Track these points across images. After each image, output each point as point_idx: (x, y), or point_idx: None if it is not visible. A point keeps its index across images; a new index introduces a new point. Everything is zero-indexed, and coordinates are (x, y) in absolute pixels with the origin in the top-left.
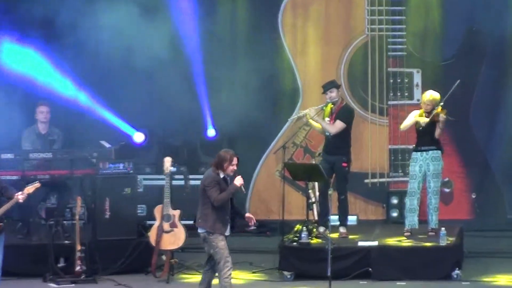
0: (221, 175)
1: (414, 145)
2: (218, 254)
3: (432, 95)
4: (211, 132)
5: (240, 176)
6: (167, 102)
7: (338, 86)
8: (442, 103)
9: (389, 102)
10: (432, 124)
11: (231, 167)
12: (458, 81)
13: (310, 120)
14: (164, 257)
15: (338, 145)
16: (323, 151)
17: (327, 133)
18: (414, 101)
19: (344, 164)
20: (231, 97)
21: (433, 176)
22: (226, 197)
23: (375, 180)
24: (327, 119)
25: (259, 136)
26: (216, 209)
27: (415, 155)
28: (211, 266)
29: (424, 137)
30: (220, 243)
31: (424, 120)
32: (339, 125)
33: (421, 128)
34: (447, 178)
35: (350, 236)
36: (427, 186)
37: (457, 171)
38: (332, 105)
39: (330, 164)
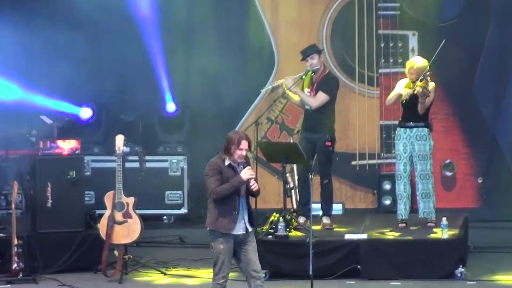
0: (227, 162)
1: (399, 120)
2: (214, 258)
3: (414, 62)
4: (170, 107)
5: (249, 168)
6: (118, 71)
7: (320, 52)
8: (428, 72)
9: (380, 70)
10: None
11: (239, 152)
12: (444, 40)
13: (288, 92)
14: (116, 253)
15: (320, 121)
16: (302, 128)
17: (307, 107)
18: None
19: (328, 143)
20: (194, 66)
21: (420, 157)
22: (226, 191)
23: (364, 162)
24: (307, 90)
25: (227, 111)
26: (220, 203)
27: (399, 131)
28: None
29: (409, 111)
30: (218, 247)
31: (406, 91)
32: (321, 97)
33: (403, 102)
34: (448, 160)
35: (335, 228)
36: (415, 169)
37: (460, 152)
38: (313, 74)
39: (311, 144)
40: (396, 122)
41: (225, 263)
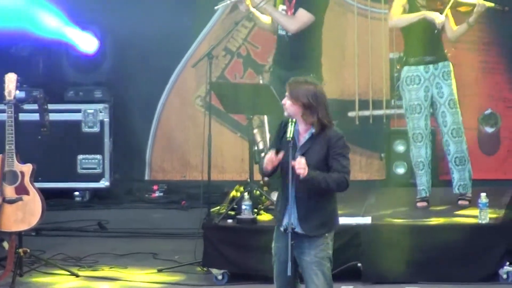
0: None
1: (408, 55)
2: None
3: None
4: (87, 45)
5: (301, 159)
6: None
7: None
8: None
9: None
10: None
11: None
12: None
13: (253, 10)
14: (6, 245)
15: (302, 52)
16: (274, 62)
17: (283, 32)
18: None
19: None
20: None
21: (450, 105)
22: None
23: (367, 113)
24: (281, 7)
25: (168, 38)
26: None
27: (415, 71)
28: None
29: (430, 39)
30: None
31: (440, 19)
32: (303, 16)
33: (436, 30)
34: (489, 110)
35: None
36: (440, 123)
37: (506, 98)
38: None
39: None
40: None
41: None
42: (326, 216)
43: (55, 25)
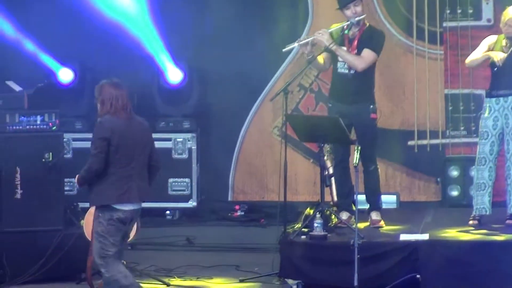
0: None
1: (487, 89)
2: None
3: None
4: (175, 75)
5: None
6: (108, 26)
7: None
8: None
9: (445, 24)
10: None
11: None
12: None
13: (314, 52)
14: None
15: (362, 88)
16: (332, 98)
17: (344, 70)
18: (483, 22)
19: (374, 116)
20: (203, 19)
21: None
22: None
23: (425, 141)
24: (343, 48)
25: (248, 76)
26: None
27: (489, 102)
28: None
29: (503, 76)
30: None
31: (500, 57)
32: (369, 56)
33: (496, 68)
34: None
35: (387, 226)
36: (505, 150)
37: None
38: (349, 29)
39: (348, 118)
40: (466, 91)
41: None
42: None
43: (155, 48)
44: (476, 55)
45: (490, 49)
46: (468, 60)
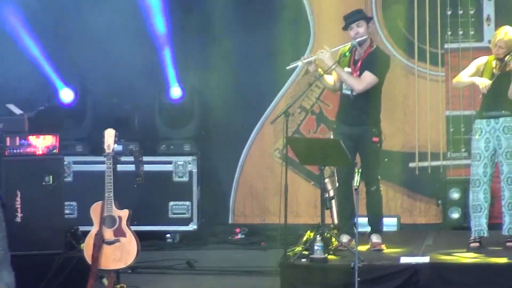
0: None
1: (476, 110)
2: None
3: (508, 33)
4: (175, 92)
5: None
6: (109, 46)
7: (368, 19)
8: None
9: (447, 46)
10: (505, 78)
11: None
12: None
13: (320, 70)
14: (105, 281)
15: (365, 110)
16: (338, 120)
17: (347, 91)
18: (485, 44)
19: (375, 139)
20: (205, 41)
21: (507, 156)
22: None
23: (425, 163)
24: (347, 69)
25: (249, 98)
26: None
27: (479, 124)
28: None
29: (493, 97)
30: None
31: (484, 84)
32: (368, 78)
33: (481, 94)
34: None
35: (388, 249)
36: (500, 171)
37: None
38: (356, 49)
39: (352, 140)
40: (467, 113)
41: None
42: None
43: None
44: (462, 78)
45: (479, 70)
46: (454, 80)
